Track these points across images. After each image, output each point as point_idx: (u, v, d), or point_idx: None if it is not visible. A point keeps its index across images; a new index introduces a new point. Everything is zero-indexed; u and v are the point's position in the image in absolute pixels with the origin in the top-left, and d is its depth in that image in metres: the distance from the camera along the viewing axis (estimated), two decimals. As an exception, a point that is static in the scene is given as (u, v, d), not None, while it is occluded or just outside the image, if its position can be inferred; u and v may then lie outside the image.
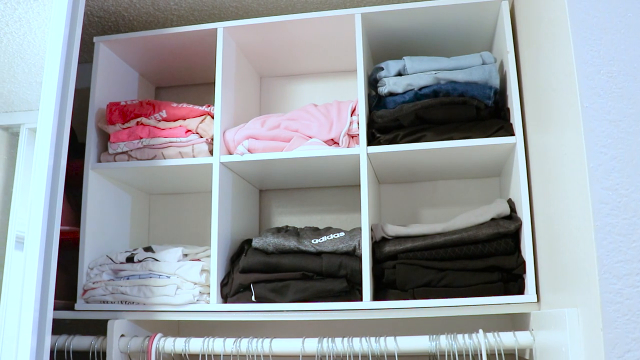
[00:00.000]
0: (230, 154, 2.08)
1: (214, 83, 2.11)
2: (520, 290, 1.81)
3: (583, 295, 1.29)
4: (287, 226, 2.14)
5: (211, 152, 2.08)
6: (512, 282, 1.82)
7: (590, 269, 1.22)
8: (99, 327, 1.97)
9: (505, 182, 2.14)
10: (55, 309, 1.58)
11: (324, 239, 1.95)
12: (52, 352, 1.89)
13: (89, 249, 2.12)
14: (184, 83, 2.69)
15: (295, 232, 2.05)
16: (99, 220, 2.20)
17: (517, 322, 1.97)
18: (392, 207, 2.35)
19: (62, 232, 1.58)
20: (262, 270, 1.94)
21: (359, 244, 1.89)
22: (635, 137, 1.22)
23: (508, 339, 1.71)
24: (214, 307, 1.94)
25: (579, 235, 1.30)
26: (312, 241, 1.94)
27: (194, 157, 2.09)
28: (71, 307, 2.07)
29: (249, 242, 2.04)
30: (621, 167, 1.21)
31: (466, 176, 2.30)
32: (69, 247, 2.09)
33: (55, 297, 1.57)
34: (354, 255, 1.91)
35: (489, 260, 1.83)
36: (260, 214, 2.50)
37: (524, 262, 1.80)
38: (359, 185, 1.94)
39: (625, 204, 1.20)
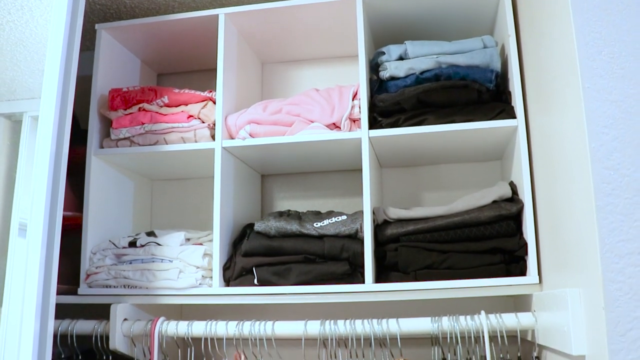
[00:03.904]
0: (232, 138, 2.09)
1: (215, 70, 2.11)
2: (522, 272, 1.82)
3: (585, 275, 1.29)
4: (289, 210, 2.14)
5: (213, 137, 2.08)
6: (514, 264, 1.82)
7: (591, 249, 1.22)
8: (102, 312, 1.98)
9: (507, 165, 2.14)
10: (58, 293, 1.58)
11: (326, 222, 1.95)
12: (55, 336, 1.90)
13: (92, 234, 2.13)
14: (185, 70, 2.69)
15: (297, 216, 2.05)
16: (101, 205, 2.20)
17: (519, 304, 1.98)
18: (393, 191, 2.36)
19: (65, 218, 1.58)
20: (265, 253, 1.95)
21: (361, 227, 1.90)
22: (636, 117, 1.22)
23: (510, 320, 1.71)
24: (216, 290, 1.95)
25: (580, 216, 1.31)
26: (314, 224, 1.95)
27: (196, 142, 2.09)
28: (74, 292, 2.08)
29: (251, 226, 2.05)
30: (622, 147, 1.21)
31: (468, 160, 2.31)
32: (72, 232, 2.10)
33: (59, 282, 1.58)
34: (356, 238, 1.91)
35: (491, 242, 1.84)
36: (262, 198, 2.50)
37: (525, 244, 1.80)
38: (361, 170, 1.94)
39: (626, 184, 1.20)
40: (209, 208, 2.05)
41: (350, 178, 2.40)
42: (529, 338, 1.77)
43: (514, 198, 1.89)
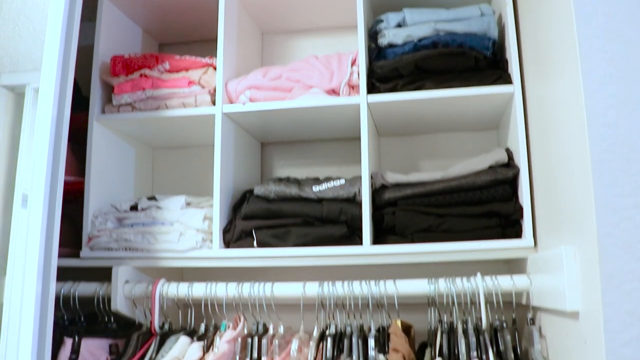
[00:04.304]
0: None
1: (216, 40, 2.12)
2: (518, 235, 1.84)
3: (580, 231, 1.31)
4: (288, 177, 2.17)
5: (214, 103, 2.10)
6: (510, 228, 1.85)
7: (587, 205, 1.24)
8: (104, 277, 2.01)
9: (503, 134, 2.16)
10: (60, 256, 1.60)
11: (325, 186, 1.97)
12: (57, 298, 1.92)
13: (94, 199, 2.15)
14: (187, 40, 2.70)
15: (297, 181, 2.08)
16: (103, 171, 2.22)
17: (514, 269, 2.00)
18: (391, 160, 2.37)
19: (67, 183, 1.60)
20: (264, 216, 1.97)
21: (359, 191, 1.92)
22: (632, 75, 1.23)
23: (505, 282, 1.74)
24: (216, 252, 1.98)
25: (576, 173, 1.32)
26: (313, 188, 1.97)
27: (196, 107, 2.11)
28: (77, 256, 2.10)
29: (251, 191, 2.07)
30: (618, 105, 1.23)
31: (465, 129, 2.33)
32: (74, 198, 2.12)
33: (61, 246, 1.60)
34: (354, 201, 1.93)
35: (487, 206, 1.86)
36: (262, 166, 2.52)
37: (521, 208, 1.82)
38: (359, 139, 1.96)
39: (622, 141, 1.21)
40: (209, 177, 2.07)
41: (349, 147, 2.41)
42: (524, 302, 1.80)
43: (510, 163, 1.91)
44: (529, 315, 1.75)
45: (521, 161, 1.84)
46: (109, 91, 2.24)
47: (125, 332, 1.97)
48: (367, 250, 1.86)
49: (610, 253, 1.19)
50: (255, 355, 1.81)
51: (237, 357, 1.82)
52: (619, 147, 1.22)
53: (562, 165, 1.45)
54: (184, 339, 1.84)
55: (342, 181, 1.99)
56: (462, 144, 2.35)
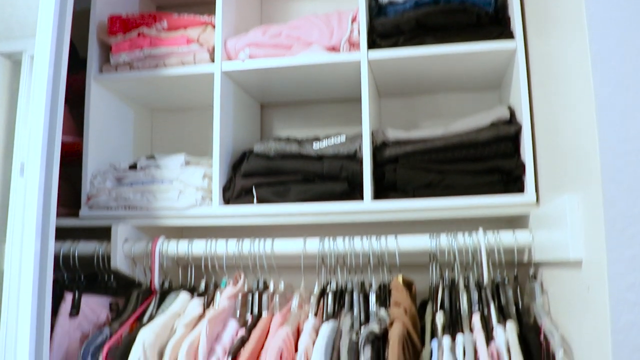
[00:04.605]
0: (232, 61, 2.09)
1: (214, 2, 2.10)
2: (520, 192, 1.83)
3: (584, 178, 1.30)
4: (288, 137, 2.15)
5: (213, 62, 2.08)
6: (512, 184, 1.83)
7: (591, 150, 1.22)
8: (103, 236, 2.00)
9: (504, 94, 2.14)
10: (59, 216, 1.60)
11: (325, 143, 1.96)
12: (57, 258, 1.92)
13: (92, 159, 2.14)
14: (184, 2, 2.66)
15: (297, 141, 2.06)
16: (101, 132, 2.20)
17: (516, 227, 1.99)
18: (392, 121, 2.35)
19: (65, 144, 1.59)
20: (264, 173, 1.96)
21: (360, 148, 1.91)
22: (638, 23, 1.22)
23: (507, 237, 1.73)
24: (216, 210, 1.97)
25: (580, 121, 1.30)
26: (314, 146, 1.96)
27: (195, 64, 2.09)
28: (76, 215, 2.10)
29: (250, 151, 2.05)
30: (623, 49, 1.21)
31: (466, 89, 2.31)
32: (73, 159, 2.11)
33: (60, 206, 1.59)
34: (355, 158, 1.92)
35: (488, 162, 1.85)
36: (261, 129, 2.50)
37: (523, 165, 1.81)
38: (360, 100, 1.94)
39: (627, 85, 1.19)
40: (208, 140, 2.05)
41: (348, 108, 2.39)
42: (525, 259, 1.79)
43: (512, 120, 1.90)
44: (531, 272, 1.74)
45: (523, 117, 1.82)
46: (106, 51, 2.21)
47: (125, 290, 1.96)
48: (368, 206, 1.85)
49: (615, 197, 1.17)
50: (255, 311, 1.80)
51: (238, 313, 1.81)
52: (624, 90, 1.20)
53: (567, 116, 1.43)
54: (184, 296, 1.83)
55: (343, 138, 1.97)
56: (463, 104, 2.33)
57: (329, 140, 1.97)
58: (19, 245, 1.51)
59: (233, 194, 1.97)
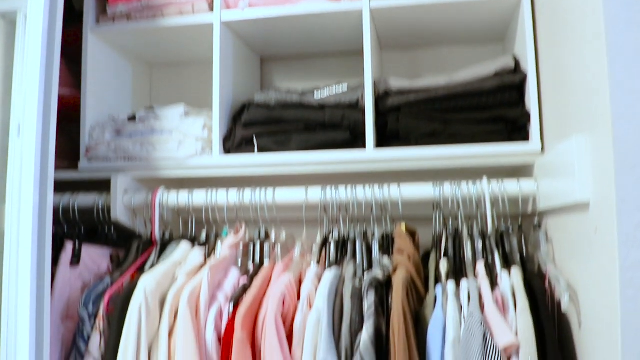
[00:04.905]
0: (232, 12, 2.05)
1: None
2: (525, 140, 1.80)
3: (592, 118, 1.27)
4: (289, 88, 2.12)
5: (212, 11, 2.04)
6: (517, 133, 1.81)
7: (601, 87, 1.20)
8: (103, 189, 1.98)
9: (509, 46, 2.10)
10: (57, 168, 1.57)
11: (327, 92, 1.93)
12: (57, 211, 1.90)
13: (91, 111, 2.11)
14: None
15: (298, 91, 2.03)
16: (99, 86, 2.17)
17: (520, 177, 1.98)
18: (394, 74, 2.32)
19: (64, 97, 1.57)
20: (265, 123, 1.94)
21: (362, 96, 1.88)
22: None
23: (511, 186, 1.72)
24: (216, 159, 1.94)
25: (589, 61, 1.28)
26: (315, 95, 1.93)
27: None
28: (75, 168, 2.08)
29: (250, 102, 2.02)
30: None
31: (470, 41, 2.27)
32: (71, 113, 2.09)
33: (58, 158, 1.57)
34: (357, 107, 1.89)
35: (493, 111, 1.82)
36: (261, 83, 2.47)
37: (528, 114, 1.78)
38: (361, 53, 1.91)
39: (638, 21, 1.18)
40: (208, 95, 2.02)
41: (350, 61, 2.36)
42: (529, 210, 1.78)
43: (517, 69, 1.87)
44: (535, 221, 1.72)
45: (529, 65, 1.79)
46: (103, 3, 2.17)
47: (125, 243, 1.94)
48: (370, 155, 1.83)
49: (625, 135, 1.15)
50: (257, 260, 1.79)
51: (239, 262, 1.80)
52: (636, 26, 1.17)
53: (575, 59, 1.40)
54: (185, 245, 1.82)
55: (345, 87, 1.95)
56: (466, 58, 2.28)
57: (330, 89, 1.94)
58: (18, 200, 1.49)
59: (233, 144, 1.95)
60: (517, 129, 1.82)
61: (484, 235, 1.69)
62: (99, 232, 2.01)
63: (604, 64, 1.18)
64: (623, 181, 1.14)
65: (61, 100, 1.60)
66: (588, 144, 1.30)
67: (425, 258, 1.77)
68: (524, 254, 1.68)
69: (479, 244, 1.67)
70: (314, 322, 1.49)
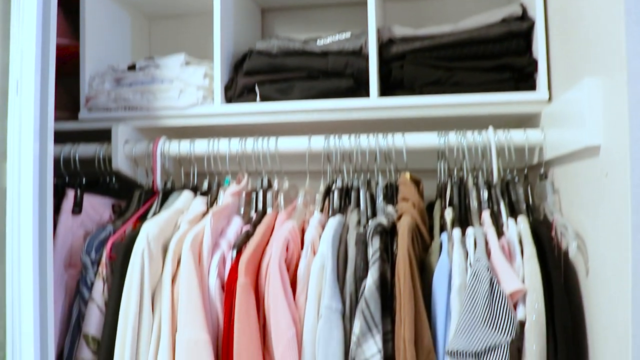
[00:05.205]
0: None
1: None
2: (532, 89, 1.77)
3: (605, 60, 1.24)
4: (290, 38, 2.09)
5: (211, -43, 2.00)
6: (523, 82, 1.78)
7: (615, 29, 1.17)
8: (103, 140, 1.96)
9: (516, -4, 2.07)
10: (57, 119, 1.55)
11: (329, 39, 1.90)
12: (57, 161, 1.89)
13: (90, 61, 2.08)
14: None
15: (300, 40, 2.00)
16: (98, 37, 2.13)
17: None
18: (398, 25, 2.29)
19: (62, 46, 1.53)
20: (267, 71, 1.91)
21: (366, 43, 1.84)
22: None
23: (518, 136, 1.69)
24: (218, 108, 1.92)
25: (602, 1, 1.26)
26: (317, 42, 1.90)
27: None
28: (75, 119, 2.05)
29: (251, 51, 1.98)
30: None
31: (476, -9, 2.23)
32: (70, 62, 2.07)
33: (58, 109, 1.54)
34: (361, 55, 1.86)
35: (499, 59, 1.79)
36: (262, 35, 2.43)
37: (535, 62, 1.75)
38: (365, 1, 1.86)
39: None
40: (208, 48, 1.99)
41: (352, 12, 2.32)
42: (535, 161, 1.76)
43: (524, 17, 1.83)
44: (541, 171, 1.70)
45: (537, 11, 1.75)
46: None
47: (127, 193, 1.93)
48: (374, 103, 1.80)
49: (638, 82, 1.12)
50: (260, 208, 1.78)
51: (242, 211, 1.79)
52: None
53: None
54: (187, 194, 1.81)
55: (348, 34, 1.91)
56: (472, 8, 2.24)
57: (333, 37, 1.91)
58: (18, 152, 1.47)
59: (235, 92, 1.92)
60: (523, 78, 1.79)
61: (489, 185, 1.67)
62: (101, 182, 1.99)
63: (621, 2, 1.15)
64: (637, 122, 1.12)
65: (60, 50, 1.56)
66: (600, 86, 1.27)
67: (430, 208, 1.75)
68: (530, 204, 1.67)
69: (485, 194, 1.65)
70: (318, 267, 1.48)
